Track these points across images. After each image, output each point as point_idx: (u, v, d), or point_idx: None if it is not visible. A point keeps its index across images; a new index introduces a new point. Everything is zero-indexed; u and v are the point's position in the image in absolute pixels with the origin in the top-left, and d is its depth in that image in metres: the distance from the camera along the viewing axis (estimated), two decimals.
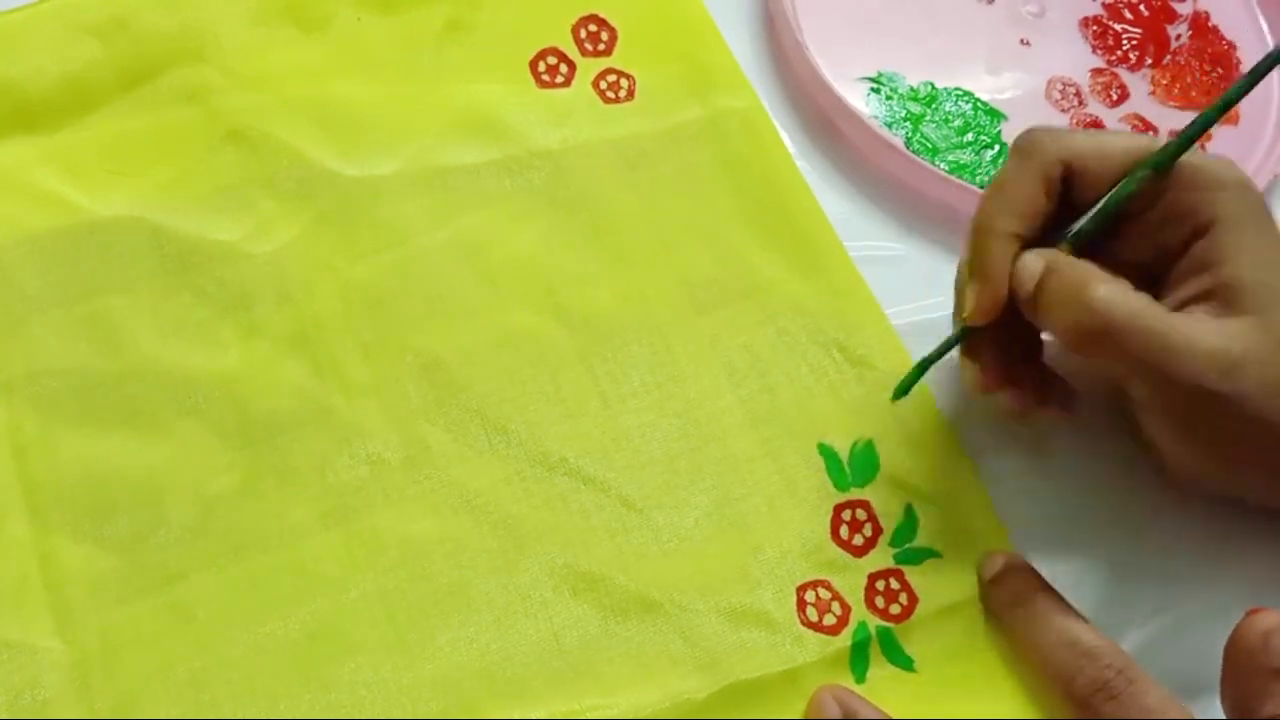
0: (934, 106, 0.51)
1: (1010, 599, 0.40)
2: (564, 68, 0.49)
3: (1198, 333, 0.37)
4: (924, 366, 0.42)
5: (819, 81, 0.49)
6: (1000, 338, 0.40)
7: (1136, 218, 0.40)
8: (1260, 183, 0.49)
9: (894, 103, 0.51)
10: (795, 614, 0.39)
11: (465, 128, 0.47)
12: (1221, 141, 0.52)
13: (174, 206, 0.44)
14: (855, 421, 0.43)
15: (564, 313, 0.44)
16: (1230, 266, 0.38)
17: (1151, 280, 0.40)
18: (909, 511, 0.41)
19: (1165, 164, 0.39)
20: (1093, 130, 0.49)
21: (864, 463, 0.42)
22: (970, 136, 0.50)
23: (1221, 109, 0.38)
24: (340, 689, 0.37)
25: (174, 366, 0.41)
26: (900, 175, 0.49)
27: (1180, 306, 0.39)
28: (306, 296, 0.43)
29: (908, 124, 0.50)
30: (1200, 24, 0.56)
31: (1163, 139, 0.43)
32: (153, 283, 0.43)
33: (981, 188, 0.47)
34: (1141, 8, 0.56)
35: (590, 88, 0.48)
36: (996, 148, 0.50)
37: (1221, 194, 0.39)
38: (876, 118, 0.50)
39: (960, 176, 0.48)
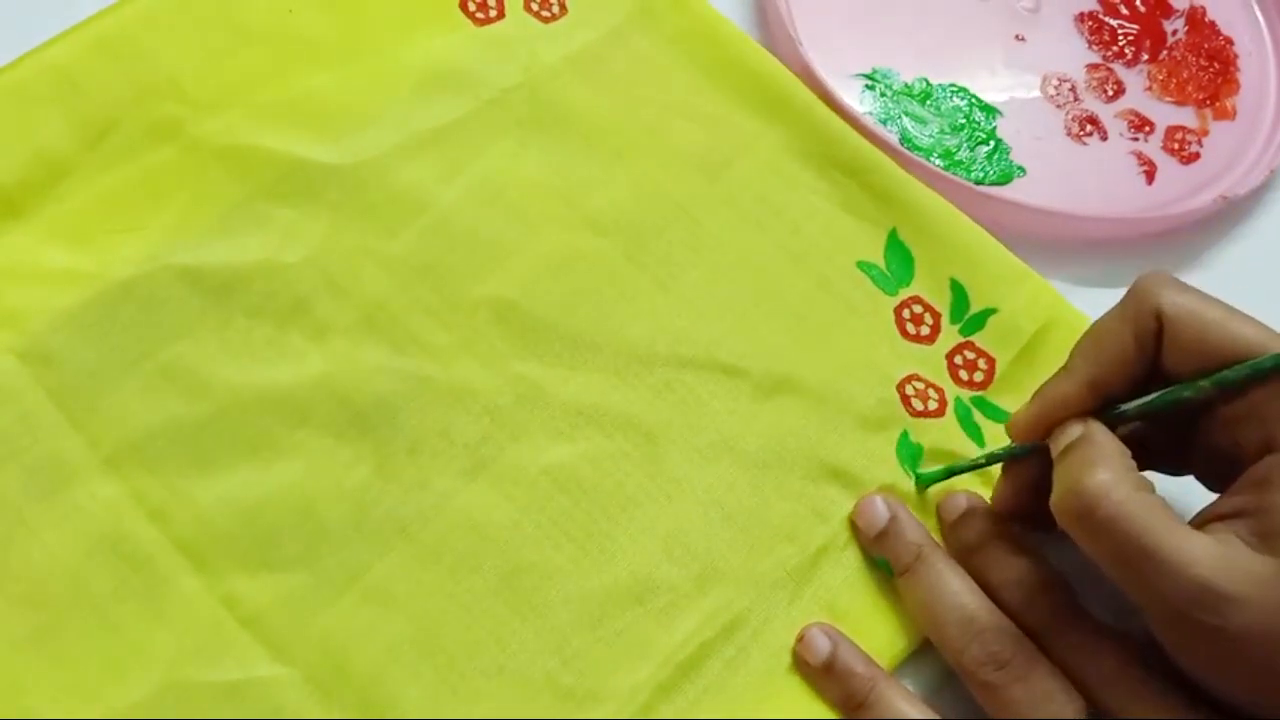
0: (929, 103, 0.51)
1: (975, 541, 0.40)
2: (491, 1, 0.50)
3: (1195, 555, 0.32)
4: (952, 471, 0.42)
5: (813, 78, 0.50)
6: (1037, 476, 0.38)
7: (1224, 404, 0.35)
8: (1257, 178, 0.50)
9: (888, 99, 0.51)
10: (904, 409, 0.44)
11: (431, 86, 0.48)
12: (1219, 136, 0.52)
13: (192, 244, 0.44)
14: (877, 228, 0.47)
15: (594, 222, 0.46)
16: None
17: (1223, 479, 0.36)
18: (954, 286, 0.46)
19: (1231, 384, 0.34)
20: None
21: (899, 262, 0.47)
22: (965, 133, 0.51)
23: None
24: (554, 610, 0.40)
25: (264, 387, 0.42)
26: None
27: (1215, 519, 0.34)
28: (356, 284, 0.44)
29: (902, 120, 0.51)
30: (1196, 19, 0.56)
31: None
32: (205, 319, 0.43)
33: (976, 184, 0.49)
34: (1137, 3, 0.55)
35: (524, 13, 0.50)
36: (991, 144, 0.51)
37: None
38: (871, 114, 0.51)
39: (955, 173, 0.49)
